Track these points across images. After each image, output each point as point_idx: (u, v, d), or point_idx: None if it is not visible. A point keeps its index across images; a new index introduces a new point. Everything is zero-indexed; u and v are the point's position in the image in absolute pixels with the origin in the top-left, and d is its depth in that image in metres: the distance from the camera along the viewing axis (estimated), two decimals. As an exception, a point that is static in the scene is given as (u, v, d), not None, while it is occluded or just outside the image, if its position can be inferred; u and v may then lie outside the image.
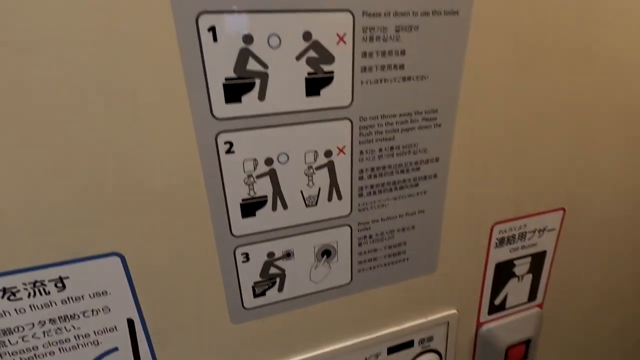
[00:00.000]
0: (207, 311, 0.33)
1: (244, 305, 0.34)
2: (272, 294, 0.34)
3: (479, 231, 0.41)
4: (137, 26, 0.23)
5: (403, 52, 0.29)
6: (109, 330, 0.30)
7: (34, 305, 0.27)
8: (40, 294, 0.27)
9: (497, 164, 0.38)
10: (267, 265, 0.33)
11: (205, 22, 0.23)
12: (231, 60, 0.25)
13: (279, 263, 0.33)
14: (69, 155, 0.24)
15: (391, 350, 0.42)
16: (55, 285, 0.27)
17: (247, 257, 0.32)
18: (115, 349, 0.31)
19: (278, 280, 0.34)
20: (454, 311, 0.43)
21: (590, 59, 0.36)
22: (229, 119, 0.27)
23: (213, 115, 0.26)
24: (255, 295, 0.34)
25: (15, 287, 0.26)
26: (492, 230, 0.41)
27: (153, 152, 0.26)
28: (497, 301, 0.46)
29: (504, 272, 0.44)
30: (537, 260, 0.46)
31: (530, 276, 0.46)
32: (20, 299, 0.27)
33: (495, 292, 0.45)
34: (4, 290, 0.26)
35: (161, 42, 0.23)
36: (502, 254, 0.43)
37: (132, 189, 0.26)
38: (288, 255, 0.33)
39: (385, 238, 0.36)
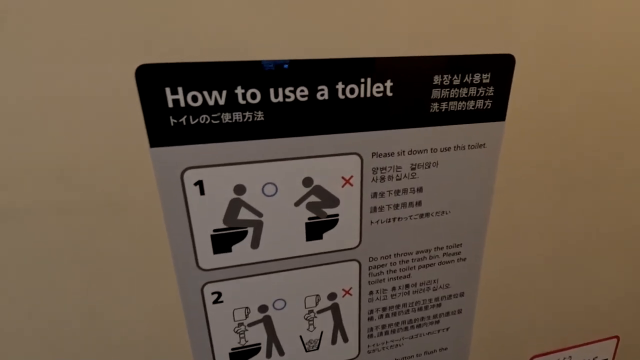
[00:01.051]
0: None
1: None
2: None
3: (515, 366, 0.35)
4: (118, 185, 0.21)
5: (420, 189, 0.25)
6: None
7: None
8: None
9: (534, 295, 0.32)
10: (259, 415, 0.29)
11: (192, 177, 0.21)
12: (220, 211, 0.22)
13: (273, 412, 0.29)
14: (39, 309, 0.22)
15: None
16: None
17: (236, 407, 0.28)
18: None
19: None
20: None
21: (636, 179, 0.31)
22: (217, 269, 0.24)
23: (199, 267, 0.23)
24: None
25: None
26: (530, 364, 0.35)
27: (129, 306, 0.23)
28: None
29: (545, 410, 0.38)
30: (587, 395, 0.39)
31: (578, 412, 0.39)
32: None
33: None
34: None
35: (141, 199, 0.21)
36: (542, 390, 0.37)
37: (105, 342, 0.24)
38: (284, 403, 0.29)
39: (400, 379, 0.32)
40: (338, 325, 0.28)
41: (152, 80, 0.19)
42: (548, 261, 0.32)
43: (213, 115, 0.20)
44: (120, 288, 0.23)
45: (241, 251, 0.24)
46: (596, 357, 0.37)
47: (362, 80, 0.21)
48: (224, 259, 0.24)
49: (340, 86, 0.21)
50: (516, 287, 0.32)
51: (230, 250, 0.23)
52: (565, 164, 0.28)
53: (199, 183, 0.21)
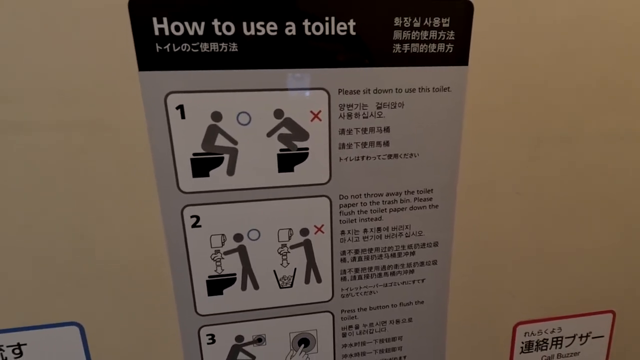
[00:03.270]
0: (168, 396, 0.31)
1: (209, 393, 0.31)
2: (241, 384, 0.31)
3: (498, 331, 0.35)
4: (107, 106, 0.24)
5: (387, 129, 0.28)
6: (63, 405, 0.29)
7: (-9, 370, 0.28)
8: (-1, 359, 0.28)
9: (514, 256, 0.33)
10: (235, 350, 0.31)
11: (174, 101, 0.25)
12: (199, 136, 0.26)
13: (248, 349, 0.31)
14: (33, 224, 0.25)
15: None
16: (13, 352, 0.28)
17: (212, 338, 0.30)
18: None
19: (247, 368, 0.31)
20: None
21: (624, 139, 0.32)
22: (196, 192, 0.27)
23: (179, 189, 0.26)
24: (221, 383, 0.31)
25: (-24, 350, 0.27)
26: (514, 331, 0.35)
27: (116, 224, 0.26)
28: (530, 423, 0.38)
29: (535, 386, 0.37)
30: (582, 375, 0.38)
31: (574, 394, 0.38)
32: (-22, 362, 0.27)
33: (525, 410, 0.37)
34: (-35, 351, 0.27)
35: (129, 120, 0.25)
36: (531, 363, 0.36)
37: (94, 260, 0.27)
38: (259, 340, 0.31)
39: (376, 330, 0.32)
40: (311, 264, 0.30)
41: (141, 10, 0.23)
42: (525, 221, 0.32)
43: (193, 44, 0.24)
44: (107, 208, 0.26)
45: (218, 177, 0.26)
46: (590, 333, 0.37)
47: (327, 18, 0.24)
48: (202, 183, 0.26)
49: (306, 23, 0.24)
50: (494, 245, 0.32)
51: (208, 175, 0.26)
52: (535, 116, 0.30)
53: (180, 107, 0.25)
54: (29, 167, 0.24)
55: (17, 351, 0.28)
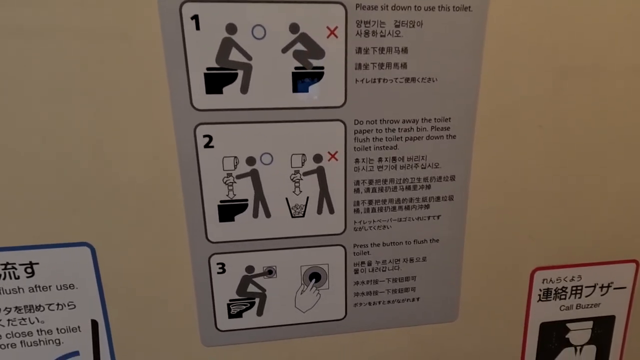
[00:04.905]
0: (177, 327, 0.31)
1: (217, 325, 0.31)
2: (250, 317, 0.31)
3: (515, 275, 0.34)
4: (121, 15, 0.24)
5: (405, 50, 0.27)
6: (72, 329, 0.30)
7: (2, 289, 0.28)
8: (10, 277, 0.28)
9: (534, 197, 0.32)
10: (245, 281, 0.31)
11: (188, 10, 0.25)
12: (213, 49, 0.25)
13: (259, 280, 0.31)
14: (49, 138, 0.26)
15: (397, 417, 0.35)
16: (25, 271, 0.28)
17: (223, 267, 0.30)
18: (76, 353, 0.30)
19: (257, 301, 0.31)
20: (483, 379, 0.36)
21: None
22: (209, 110, 0.27)
23: (193, 106, 0.26)
24: (231, 316, 0.31)
25: (-12, 267, 0.28)
26: (532, 277, 0.34)
27: (130, 141, 0.26)
28: (546, 376, 0.37)
29: (553, 337, 0.36)
30: (603, 328, 0.37)
31: (593, 349, 0.37)
32: (-8, 279, 0.28)
33: (542, 362, 0.37)
34: (-22, 268, 0.27)
35: (145, 30, 0.25)
36: (549, 312, 0.35)
37: (106, 178, 0.27)
38: (270, 272, 0.31)
39: (389, 268, 0.32)
40: (324, 193, 0.29)
41: None
42: (547, 158, 0.32)
43: (209, -51, 0.24)
44: (121, 123, 0.26)
45: (231, 94, 0.26)
46: (612, 283, 0.36)
47: None
48: (215, 100, 0.26)
49: None
50: (513, 183, 0.32)
51: (221, 92, 0.26)
52: (560, 45, 0.29)
53: (195, 18, 0.25)
54: (48, 75, 0.25)
55: (29, 270, 0.28)
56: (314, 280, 0.31)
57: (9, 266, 0.28)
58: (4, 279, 0.28)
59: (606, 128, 0.31)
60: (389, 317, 0.33)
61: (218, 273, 0.30)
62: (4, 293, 0.28)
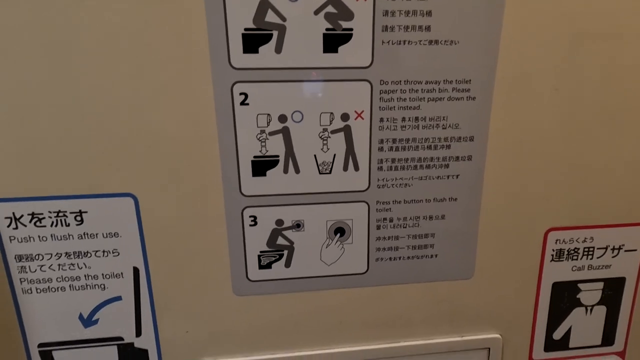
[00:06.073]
0: (210, 276, 0.33)
1: (248, 276, 0.34)
2: (279, 269, 0.34)
3: (529, 235, 0.36)
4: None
5: (429, 13, 0.29)
6: (116, 276, 0.32)
7: (54, 235, 0.31)
8: (62, 224, 0.31)
9: (550, 160, 0.34)
10: (275, 234, 0.33)
11: (229, -27, 0.27)
12: (251, 10, 0.27)
13: (287, 233, 0.33)
14: (94, 99, 0.28)
15: (414, 369, 0.37)
16: (75, 219, 0.31)
17: (255, 220, 0.32)
18: (119, 298, 0.33)
19: (286, 253, 0.33)
20: (496, 336, 0.38)
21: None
22: (246, 69, 0.29)
23: (231, 65, 0.29)
24: (261, 267, 0.33)
25: (42, 214, 0.30)
26: (546, 237, 0.36)
27: (171, 97, 0.29)
28: (557, 335, 0.39)
29: (564, 297, 0.38)
30: (613, 289, 0.38)
31: (603, 309, 0.39)
32: (44, 226, 0.30)
33: (553, 321, 0.39)
34: (33, 214, 0.30)
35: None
36: (561, 272, 0.37)
37: (148, 133, 0.29)
38: (298, 226, 0.33)
39: (409, 225, 0.34)
40: (350, 151, 0.32)
41: None
42: (563, 121, 0.33)
43: None
44: (163, 79, 0.28)
45: (266, 54, 0.28)
46: (623, 245, 0.37)
47: None
48: (251, 59, 0.29)
49: None
50: (529, 145, 0.33)
51: (257, 52, 0.28)
52: (577, 9, 0.30)
53: (235, -20, 0.27)
54: (95, 35, 0.27)
55: (78, 218, 0.31)
56: (338, 235, 0.34)
57: (60, 214, 0.30)
58: (56, 226, 0.30)
59: (621, 92, 0.33)
60: (408, 273, 0.35)
61: (250, 225, 0.32)
62: (55, 239, 0.31)
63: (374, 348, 0.36)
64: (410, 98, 0.31)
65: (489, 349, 0.38)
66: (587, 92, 0.33)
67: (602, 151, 0.34)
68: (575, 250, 0.37)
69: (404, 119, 0.31)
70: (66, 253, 0.31)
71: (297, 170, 0.32)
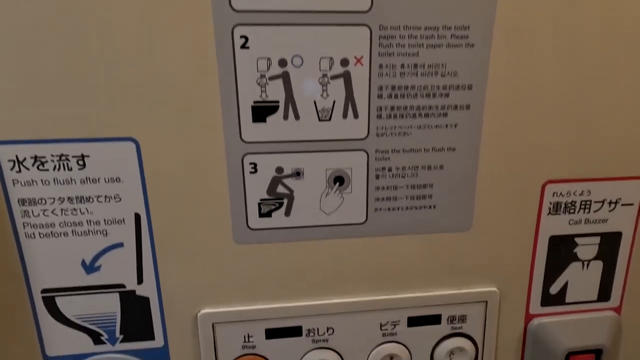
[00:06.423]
0: (211, 224, 0.34)
1: (249, 224, 0.34)
2: (279, 217, 0.34)
3: (527, 187, 0.36)
4: None
5: (428, -44, 0.29)
6: (117, 222, 0.33)
7: (57, 179, 0.31)
8: (64, 168, 0.31)
9: (548, 108, 0.34)
10: (275, 182, 0.33)
11: None
12: (251, -49, 0.28)
13: (287, 182, 0.33)
14: (95, 38, 0.28)
15: (412, 321, 0.38)
16: (77, 163, 0.31)
17: (255, 167, 0.33)
18: (121, 244, 0.33)
19: (286, 201, 0.34)
20: (494, 289, 0.38)
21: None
22: (246, 11, 0.29)
23: (231, 6, 0.29)
24: (261, 215, 0.34)
25: (44, 158, 0.31)
26: (543, 190, 0.37)
27: (171, 41, 0.29)
28: (554, 290, 0.40)
29: (561, 251, 0.38)
30: (610, 244, 0.39)
31: (599, 264, 0.39)
32: (47, 170, 0.31)
33: (550, 276, 0.39)
34: (35, 158, 0.30)
35: None
36: (558, 225, 0.38)
37: (149, 76, 0.30)
38: (297, 174, 0.33)
39: (408, 175, 0.34)
40: (349, 97, 0.32)
41: None
42: (563, 71, 0.33)
43: None
44: (165, 21, 0.29)
45: (266, -4, 0.29)
46: (620, 199, 0.38)
47: None
48: (252, 1, 0.29)
49: None
50: (528, 95, 0.34)
51: (257, -7, 0.29)
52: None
53: None
54: (98, -26, 0.27)
55: (80, 162, 0.31)
56: (337, 184, 0.34)
57: (63, 157, 0.31)
58: (59, 170, 0.31)
59: (622, 42, 0.33)
60: (407, 223, 0.36)
61: (250, 173, 0.33)
62: (58, 183, 0.31)
63: (372, 300, 0.37)
64: (409, 44, 0.31)
65: (487, 302, 0.38)
66: (587, 40, 0.33)
67: (601, 102, 0.35)
68: (572, 203, 0.37)
69: (402, 66, 0.32)
70: (69, 198, 0.32)
71: (296, 117, 0.32)
